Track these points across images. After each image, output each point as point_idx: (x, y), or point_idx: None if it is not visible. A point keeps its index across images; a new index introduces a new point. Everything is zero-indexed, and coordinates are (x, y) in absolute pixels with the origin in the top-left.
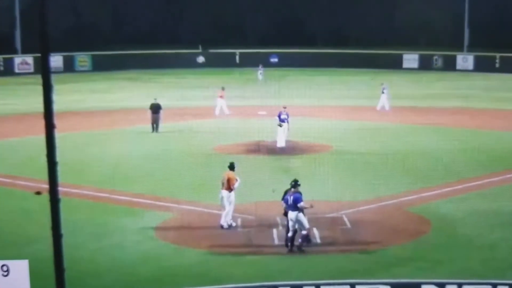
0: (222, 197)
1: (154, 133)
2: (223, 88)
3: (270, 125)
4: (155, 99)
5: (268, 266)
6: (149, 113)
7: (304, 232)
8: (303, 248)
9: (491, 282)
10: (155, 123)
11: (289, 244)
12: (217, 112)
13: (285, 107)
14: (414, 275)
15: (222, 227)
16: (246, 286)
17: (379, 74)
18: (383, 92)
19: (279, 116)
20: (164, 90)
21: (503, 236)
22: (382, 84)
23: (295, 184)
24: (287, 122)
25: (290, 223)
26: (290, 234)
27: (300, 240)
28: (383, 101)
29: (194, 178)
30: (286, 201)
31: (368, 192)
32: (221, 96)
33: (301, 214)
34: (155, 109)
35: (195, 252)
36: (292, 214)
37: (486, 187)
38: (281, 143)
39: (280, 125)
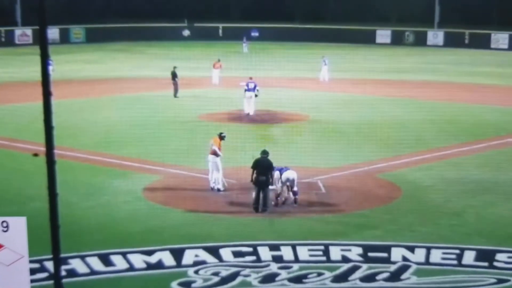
0: (208, 161)
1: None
2: (219, 60)
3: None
4: (175, 67)
5: (248, 227)
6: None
7: (295, 189)
8: None
9: (458, 246)
10: (175, 88)
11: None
12: (213, 81)
13: (251, 78)
14: (385, 238)
15: (212, 189)
16: (226, 245)
17: (353, 48)
18: (325, 64)
19: (247, 86)
20: (152, 61)
21: (470, 203)
22: (323, 56)
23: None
24: (254, 91)
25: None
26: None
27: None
28: (324, 73)
29: (179, 143)
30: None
31: (342, 159)
32: (216, 67)
33: None
34: (173, 76)
35: (179, 212)
36: (294, 174)
37: (454, 156)
38: (249, 110)
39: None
